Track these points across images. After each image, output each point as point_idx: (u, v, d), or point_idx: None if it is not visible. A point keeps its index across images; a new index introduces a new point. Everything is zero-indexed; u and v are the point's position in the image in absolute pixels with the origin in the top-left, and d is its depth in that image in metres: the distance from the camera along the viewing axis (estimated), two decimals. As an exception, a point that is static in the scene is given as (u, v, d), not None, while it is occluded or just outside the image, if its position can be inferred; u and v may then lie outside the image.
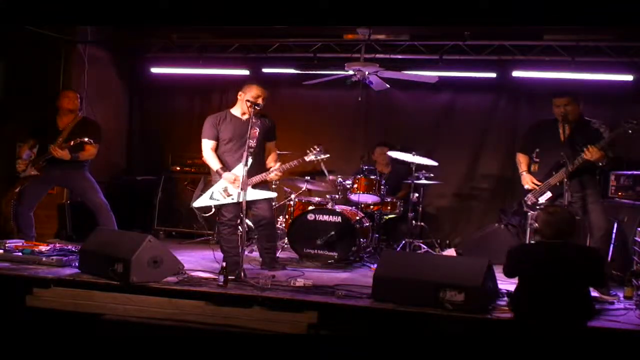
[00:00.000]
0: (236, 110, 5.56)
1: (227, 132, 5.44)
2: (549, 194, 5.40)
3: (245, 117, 5.41)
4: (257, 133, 5.32)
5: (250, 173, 5.27)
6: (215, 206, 5.50)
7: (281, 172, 5.51)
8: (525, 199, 5.54)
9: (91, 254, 5.05)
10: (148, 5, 5.70)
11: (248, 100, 5.31)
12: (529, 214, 5.63)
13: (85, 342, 4.41)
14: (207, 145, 5.49)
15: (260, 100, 5.34)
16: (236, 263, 5.09)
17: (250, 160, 5.20)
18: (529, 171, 5.53)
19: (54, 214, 7.38)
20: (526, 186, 5.51)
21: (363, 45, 7.02)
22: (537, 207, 5.47)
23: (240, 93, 5.47)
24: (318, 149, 5.54)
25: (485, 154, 7.91)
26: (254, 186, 5.38)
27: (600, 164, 5.18)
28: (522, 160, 5.64)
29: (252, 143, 5.24)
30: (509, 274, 4.42)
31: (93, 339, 4.41)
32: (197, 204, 5.55)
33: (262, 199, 5.47)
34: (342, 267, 6.24)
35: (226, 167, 5.42)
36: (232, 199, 5.35)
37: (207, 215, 5.64)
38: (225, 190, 5.37)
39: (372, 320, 4.34)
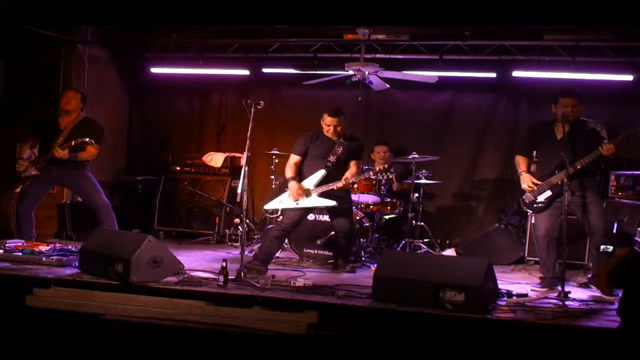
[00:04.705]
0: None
1: (313, 151, 5.93)
2: (549, 193, 5.41)
3: (333, 137, 5.89)
4: (339, 151, 5.84)
5: (323, 184, 5.79)
6: (282, 209, 5.98)
7: (344, 183, 5.77)
8: (524, 197, 5.56)
9: (91, 254, 5.05)
10: (148, 5, 5.70)
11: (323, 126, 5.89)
12: (529, 213, 5.65)
13: (85, 342, 4.41)
14: (291, 160, 5.96)
15: (324, 125, 5.87)
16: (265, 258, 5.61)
17: (322, 172, 5.77)
18: (528, 171, 5.54)
19: (54, 214, 7.37)
20: (524, 185, 5.52)
21: (363, 45, 7.01)
22: (535, 205, 5.50)
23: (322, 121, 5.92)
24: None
25: (485, 154, 7.90)
26: (323, 195, 5.75)
27: (610, 158, 5.23)
28: (521, 161, 5.65)
29: (332, 159, 5.81)
30: (618, 283, 4.07)
31: (93, 339, 4.41)
32: (268, 206, 6.03)
33: (339, 213, 5.88)
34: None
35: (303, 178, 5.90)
36: (297, 203, 5.76)
37: (272, 216, 6.40)
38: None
39: (372, 320, 4.33)
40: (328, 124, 5.83)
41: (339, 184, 5.75)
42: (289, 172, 5.90)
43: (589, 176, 5.36)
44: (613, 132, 5.34)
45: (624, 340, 3.84)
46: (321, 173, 5.78)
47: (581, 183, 5.31)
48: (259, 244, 6.41)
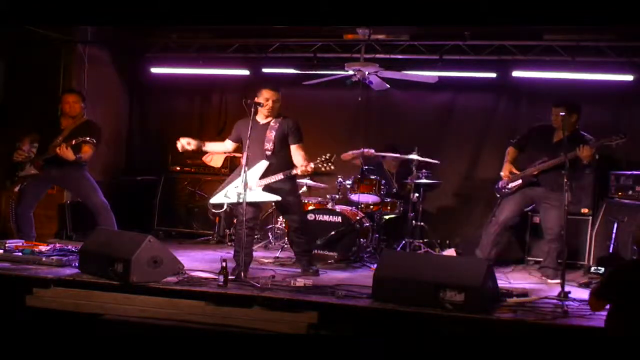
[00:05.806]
0: (258, 116, 5.52)
1: (245, 135, 5.33)
2: (519, 182, 5.75)
3: (265, 120, 5.51)
4: (272, 135, 5.43)
5: (268, 174, 5.38)
6: (228, 204, 5.50)
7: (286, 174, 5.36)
8: (498, 182, 5.92)
9: (91, 254, 5.05)
10: (148, 5, 5.71)
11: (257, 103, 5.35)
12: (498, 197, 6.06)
13: (85, 342, 4.41)
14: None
15: (261, 100, 5.39)
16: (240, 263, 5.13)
17: (265, 163, 5.37)
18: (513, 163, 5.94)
19: (54, 214, 7.37)
20: (501, 173, 5.88)
21: (363, 45, 7.01)
22: (503, 190, 5.86)
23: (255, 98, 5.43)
24: (326, 158, 5.30)
25: (485, 154, 7.89)
26: (266, 189, 5.36)
27: (587, 162, 5.51)
28: (510, 152, 6.01)
29: (269, 146, 5.41)
30: (604, 295, 3.86)
31: (93, 339, 4.41)
32: (213, 200, 5.56)
33: (286, 208, 5.62)
34: (342, 267, 6.25)
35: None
36: (240, 197, 5.23)
37: (218, 212, 5.70)
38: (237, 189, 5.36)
39: (372, 320, 4.34)
40: (268, 97, 5.38)
41: (280, 176, 5.33)
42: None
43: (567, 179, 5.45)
44: (612, 132, 5.46)
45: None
46: (263, 164, 5.37)
47: (555, 181, 5.44)
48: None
